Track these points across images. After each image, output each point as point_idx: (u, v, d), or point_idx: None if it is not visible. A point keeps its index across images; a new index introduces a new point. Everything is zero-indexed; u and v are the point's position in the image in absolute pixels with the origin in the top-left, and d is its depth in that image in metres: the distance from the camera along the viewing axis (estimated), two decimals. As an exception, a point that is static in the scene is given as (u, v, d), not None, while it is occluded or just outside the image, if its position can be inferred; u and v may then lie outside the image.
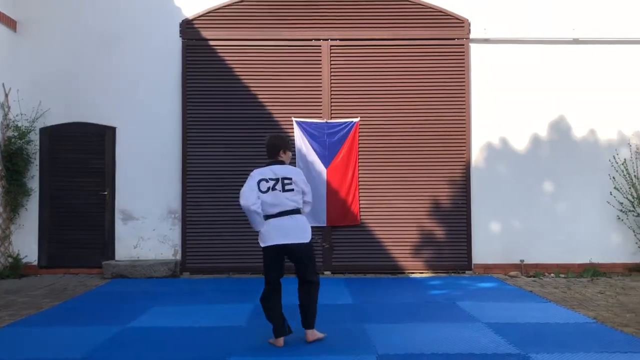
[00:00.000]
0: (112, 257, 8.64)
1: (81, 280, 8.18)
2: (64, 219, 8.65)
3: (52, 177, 8.68)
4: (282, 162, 4.89)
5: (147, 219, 8.67)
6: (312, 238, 4.82)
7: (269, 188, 4.71)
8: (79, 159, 8.68)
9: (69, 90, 8.73)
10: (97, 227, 8.67)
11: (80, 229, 8.63)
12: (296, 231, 4.71)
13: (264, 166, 4.85)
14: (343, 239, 8.60)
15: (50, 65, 8.75)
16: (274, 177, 4.74)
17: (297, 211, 4.79)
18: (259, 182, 4.72)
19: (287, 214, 4.72)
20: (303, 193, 4.83)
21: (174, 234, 8.67)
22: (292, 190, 4.74)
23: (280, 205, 4.71)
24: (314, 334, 4.81)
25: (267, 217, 4.73)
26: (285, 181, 4.73)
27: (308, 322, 4.79)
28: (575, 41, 8.86)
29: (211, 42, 8.72)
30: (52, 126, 8.71)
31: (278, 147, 4.91)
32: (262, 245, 4.76)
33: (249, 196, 4.63)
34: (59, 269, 8.61)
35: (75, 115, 8.72)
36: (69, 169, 8.67)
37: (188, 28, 8.73)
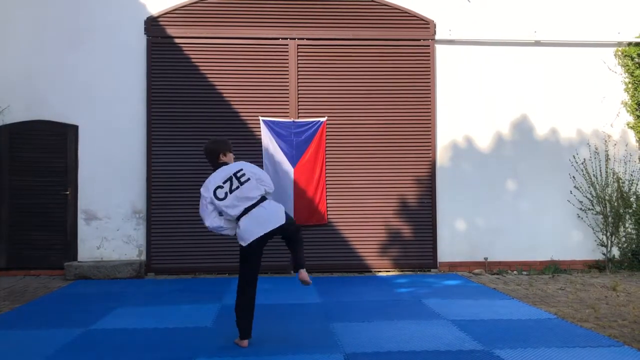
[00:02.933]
0: (75, 258, 8.46)
1: (42, 282, 7.99)
2: (25, 219, 8.42)
3: (12, 176, 8.45)
4: (225, 164, 4.73)
5: (111, 219, 8.52)
6: (287, 215, 4.66)
7: (226, 193, 4.54)
8: (40, 157, 8.47)
9: (30, 88, 8.51)
10: (59, 227, 8.47)
11: (41, 229, 8.43)
12: (270, 217, 4.57)
13: (212, 173, 4.70)
14: (310, 238, 8.59)
15: (11, 61, 8.51)
16: (226, 177, 4.59)
17: (263, 199, 4.64)
18: (214, 192, 4.55)
19: (255, 206, 4.58)
20: (259, 179, 4.66)
21: (139, 234, 8.54)
22: (249, 179, 4.59)
23: (246, 200, 4.56)
24: (304, 273, 4.64)
25: (239, 216, 4.58)
26: (238, 174, 4.59)
27: (300, 260, 4.68)
28: (537, 43, 9.06)
29: (177, 40, 8.61)
30: (11, 124, 8.47)
31: (217, 152, 4.75)
32: (244, 244, 4.59)
33: (208, 217, 4.59)
34: (18, 271, 8.39)
35: (36, 113, 8.50)
36: (29, 168, 8.45)
37: (153, 25, 8.61)
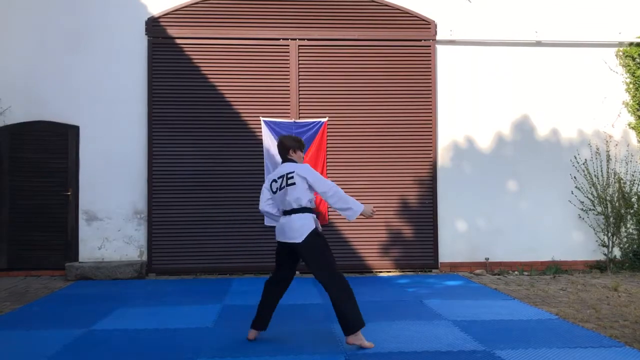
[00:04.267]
0: (76, 258, 8.46)
1: (43, 282, 7.99)
2: (25, 219, 8.43)
3: (13, 176, 8.46)
4: (292, 161, 4.82)
5: (112, 220, 8.52)
6: (309, 236, 4.58)
7: (277, 188, 4.73)
8: (41, 158, 8.48)
9: (31, 88, 8.52)
10: (60, 227, 8.48)
11: (42, 229, 8.43)
12: (288, 230, 4.66)
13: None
14: (311, 238, 8.59)
15: (12, 62, 8.52)
16: (281, 174, 4.73)
17: (297, 210, 4.65)
18: (270, 184, 4.82)
19: (287, 214, 4.70)
20: (311, 183, 4.63)
21: (140, 234, 8.54)
22: (294, 183, 4.63)
23: (283, 204, 4.73)
24: (355, 338, 4.56)
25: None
26: (289, 175, 4.67)
27: (341, 328, 4.60)
28: (538, 43, 9.06)
29: (178, 41, 8.61)
30: (12, 125, 8.48)
31: (287, 147, 4.85)
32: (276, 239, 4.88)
33: (261, 199, 4.89)
34: (19, 272, 8.39)
35: (37, 114, 8.51)
36: (30, 168, 8.46)
37: (154, 26, 8.61)
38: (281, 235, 4.73)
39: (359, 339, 4.58)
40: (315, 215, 4.74)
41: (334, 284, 4.58)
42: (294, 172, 4.66)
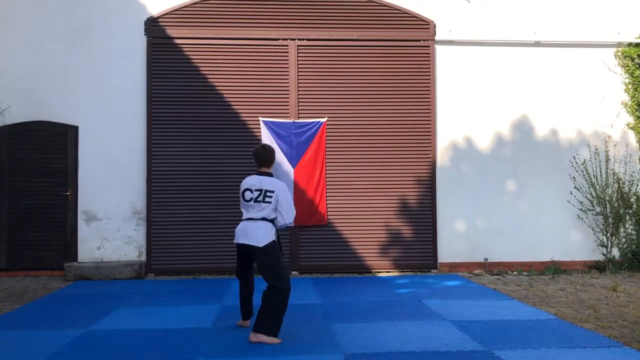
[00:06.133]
0: (75, 258, 8.46)
1: (42, 282, 7.99)
2: (24, 219, 8.42)
3: (12, 176, 8.45)
4: (269, 175, 5.09)
5: (110, 220, 8.52)
6: (270, 244, 4.87)
7: (251, 199, 4.97)
8: (40, 158, 8.48)
9: (30, 88, 8.51)
10: (59, 228, 8.47)
11: (41, 230, 8.42)
12: (252, 234, 4.90)
13: (253, 175, 5.12)
14: (310, 238, 8.60)
15: (11, 62, 8.51)
16: (259, 187, 4.97)
17: (263, 219, 4.94)
18: (243, 192, 5.03)
19: (252, 220, 4.97)
20: (280, 209, 4.93)
21: (139, 234, 8.53)
22: (269, 203, 4.93)
23: (251, 213, 4.96)
24: (257, 337, 4.79)
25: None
26: (267, 193, 4.94)
27: (256, 324, 4.83)
28: (537, 44, 9.07)
29: (177, 41, 8.61)
30: (12, 125, 8.47)
31: (271, 160, 5.13)
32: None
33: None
34: (18, 272, 8.39)
35: (36, 114, 8.50)
36: (29, 168, 8.46)
37: (153, 26, 8.61)
38: (243, 237, 4.95)
39: (259, 338, 4.79)
40: (275, 228, 5.00)
41: (278, 293, 4.78)
42: (273, 191, 4.94)
